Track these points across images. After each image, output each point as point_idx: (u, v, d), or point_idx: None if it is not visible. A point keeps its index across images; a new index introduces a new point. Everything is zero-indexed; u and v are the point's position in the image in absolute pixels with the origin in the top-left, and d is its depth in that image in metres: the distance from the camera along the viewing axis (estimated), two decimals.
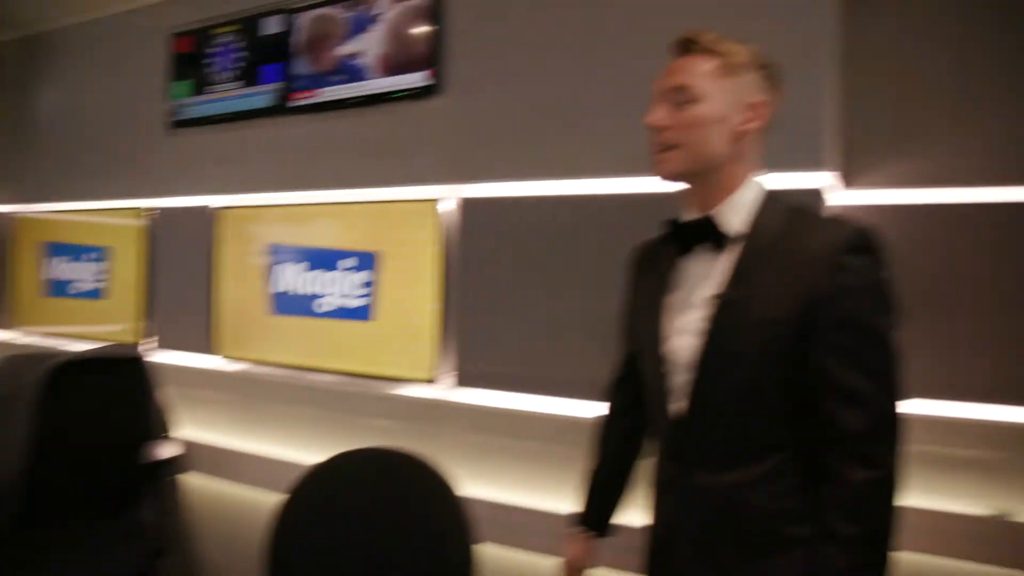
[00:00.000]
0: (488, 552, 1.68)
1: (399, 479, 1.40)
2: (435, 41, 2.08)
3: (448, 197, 2.08)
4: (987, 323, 1.60)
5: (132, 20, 2.84)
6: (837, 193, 1.67)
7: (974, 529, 1.55)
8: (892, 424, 0.98)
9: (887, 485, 0.97)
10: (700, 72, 1.05)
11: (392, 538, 1.38)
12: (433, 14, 2.08)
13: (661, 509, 1.17)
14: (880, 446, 0.97)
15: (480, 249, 2.02)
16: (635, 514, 1.33)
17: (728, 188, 1.08)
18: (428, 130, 2.11)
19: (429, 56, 2.09)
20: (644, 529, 1.22)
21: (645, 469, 1.27)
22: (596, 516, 1.33)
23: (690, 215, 1.13)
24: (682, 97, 1.05)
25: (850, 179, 1.71)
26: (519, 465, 1.93)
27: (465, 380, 2.03)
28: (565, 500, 1.83)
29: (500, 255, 1.98)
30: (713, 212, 1.09)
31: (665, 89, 1.08)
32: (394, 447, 1.47)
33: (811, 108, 1.56)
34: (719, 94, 1.04)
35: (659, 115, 1.08)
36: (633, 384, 1.28)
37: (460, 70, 2.06)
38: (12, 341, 3.23)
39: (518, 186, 1.97)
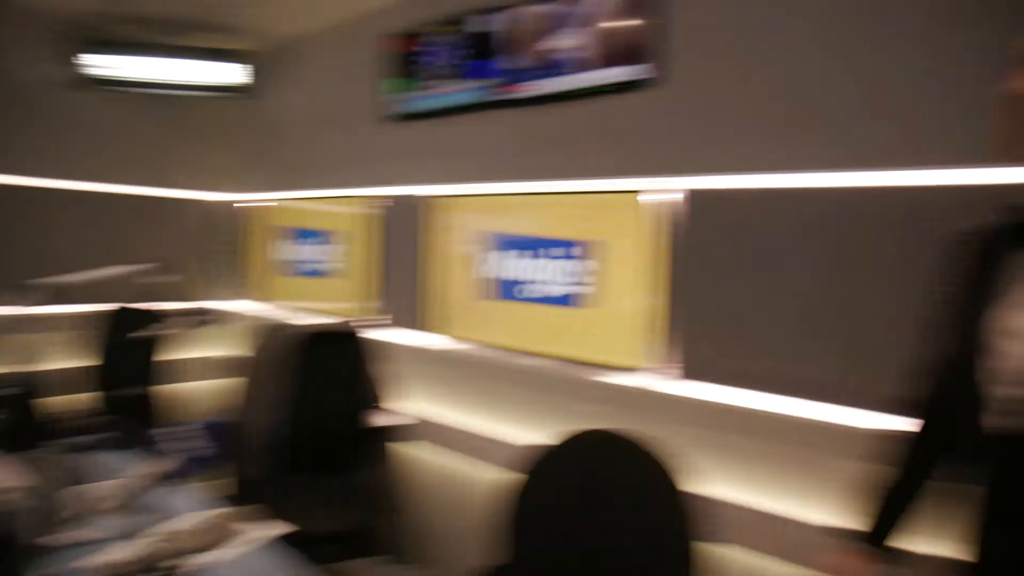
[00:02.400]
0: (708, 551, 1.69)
1: (631, 463, 1.45)
2: (652, 32, 2.07)
3: (670, 189, 2.07)
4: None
5: (353, 27, 3.11)
6: None
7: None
8: None
9: None
10: None
11: (616, 521, 1.43)
12: (651, 4, 2.07)
13: (990, 546, 1.03)
14: None
15: (706, 241, 1.99)
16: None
17: None
18: (645, 122, 2.11)
19: (645, 47, 2.08)
20: (963, 566, 1.09)
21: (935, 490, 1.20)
22: (884, 534, 1.21)
23: None
24: None
25: None
26: (740, 464, 1.90)
27: (690, 373, 2.03)
28: (786, 504, 1.79)
29: (728, 248, 1.94)
30: None
31: None
32: (627, 431, 1.51)
33: None
34: None
35: None
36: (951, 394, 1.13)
37: (681, 60, 2.03)
38: (247, 311, 3.72)
39: (745, 179, 1.91)
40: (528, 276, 2.44)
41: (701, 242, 2.01)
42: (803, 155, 1.79)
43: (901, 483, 1.22)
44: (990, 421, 0.97)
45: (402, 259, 2.91)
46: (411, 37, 2.82)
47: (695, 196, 2.02)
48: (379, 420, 2.64)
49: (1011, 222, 0.98)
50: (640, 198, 2.12)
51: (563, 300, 2.33)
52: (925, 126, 1.60)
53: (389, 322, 2.97)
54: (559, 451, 1.52)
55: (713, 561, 1.37)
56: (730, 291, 1.94)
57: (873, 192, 1.68)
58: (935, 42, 1.59)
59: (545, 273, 2.39)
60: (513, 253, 2.49)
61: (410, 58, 2.83)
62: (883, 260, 1.67)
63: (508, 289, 2.50)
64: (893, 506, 1.21)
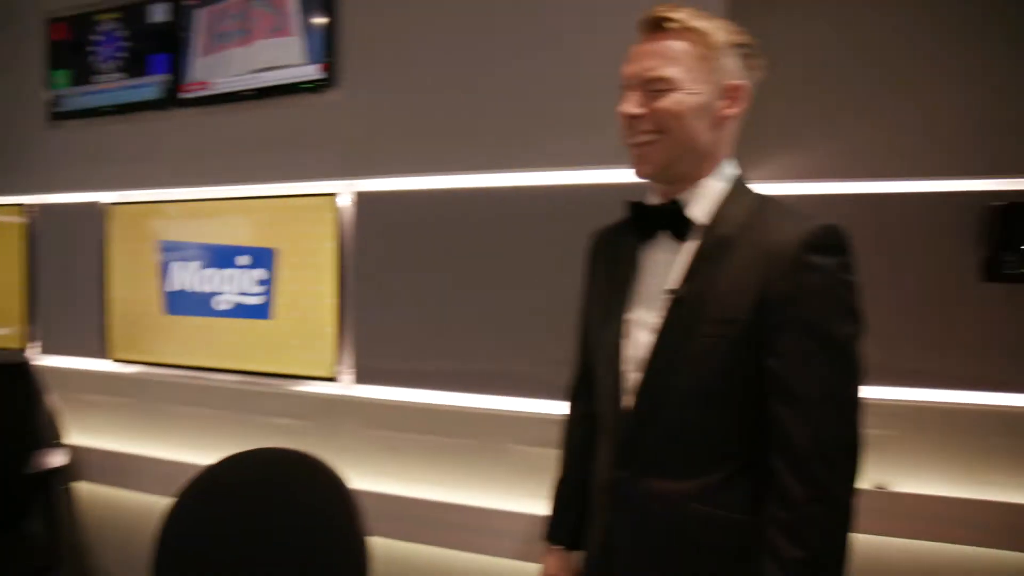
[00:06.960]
0: (382, 545, 1.70)
1: (289, 478, 1.39)
2: (329, 33, 2.05)
3: (344, 192, 2.05)
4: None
5: (8, 4, 2.66)
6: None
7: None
8: (843, 447, 0.90)
9: (833, 511, 0.89)
10: (675, 58, 0.96)
11: (281, 537, 1.37)
12: (327, 5, 2.05)
13: (600, 517, 1.08)
14: (826, 468, 0.88)
15: (377, 244, 2.01)
16: None
17: (697, 174, 1.01)
18: (323, 124, 2.07)
19: (323, 48, 2.05)
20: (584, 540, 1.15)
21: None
22: (566, 530, 1.23)
23: (654, 199, 1.05)
24: (659, 86, 0.97)
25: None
26: (418, 459, 1.95)
27: (363, 377, 2.03)
28: (464, 492, 1.87)
29: (397, 250, 1.98)
30: (679, 197, 1.01)
31: (639, 78, 0.98)
32: (283, 447, 1.46)
33: None
34: (698, 81, 0.96)
35: (634, 104, 0.98)
36: (592, 384, 1.17)
37: (355, 63, 2.03)
38: None
39: (414, 180, 1.96)
40: (214, 287, 2.27)
41: (371, 245, 2.02)
42: (470, 156, 1.88)
43: (565, 477, 1.26)
44: (620, 405, 1.04)
45: (65, 275, 2.54)
46: (77, 22, 2.49)
47: (364, 198, 2.02)
48: (47, 463, 2.27)
49: (628, 218, 1.08)
50: (317, 202, 2.06)
51: (250, 311, 2.19)
52: (574, 134, 1.79)
53: (38, 349, 2.58)
54: (212, 475, 1.41)
55: (382, 557, 1.37)
56: (402, 293, 1.97)
57: (529, 191, 1.83)
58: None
59: (231, 283, 2.24)
60: (198, 263, 2.30)
61: (77, 47, 2.49)
62: (545, 257, 1.81)
63: (194, 302, 2.30)
64: (563, 497, 1.25)
